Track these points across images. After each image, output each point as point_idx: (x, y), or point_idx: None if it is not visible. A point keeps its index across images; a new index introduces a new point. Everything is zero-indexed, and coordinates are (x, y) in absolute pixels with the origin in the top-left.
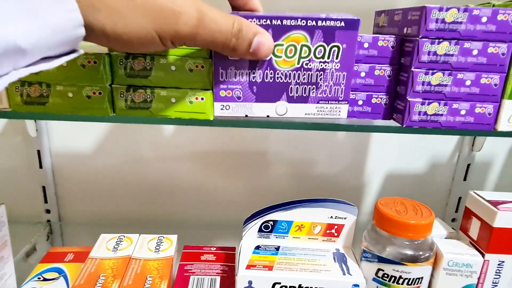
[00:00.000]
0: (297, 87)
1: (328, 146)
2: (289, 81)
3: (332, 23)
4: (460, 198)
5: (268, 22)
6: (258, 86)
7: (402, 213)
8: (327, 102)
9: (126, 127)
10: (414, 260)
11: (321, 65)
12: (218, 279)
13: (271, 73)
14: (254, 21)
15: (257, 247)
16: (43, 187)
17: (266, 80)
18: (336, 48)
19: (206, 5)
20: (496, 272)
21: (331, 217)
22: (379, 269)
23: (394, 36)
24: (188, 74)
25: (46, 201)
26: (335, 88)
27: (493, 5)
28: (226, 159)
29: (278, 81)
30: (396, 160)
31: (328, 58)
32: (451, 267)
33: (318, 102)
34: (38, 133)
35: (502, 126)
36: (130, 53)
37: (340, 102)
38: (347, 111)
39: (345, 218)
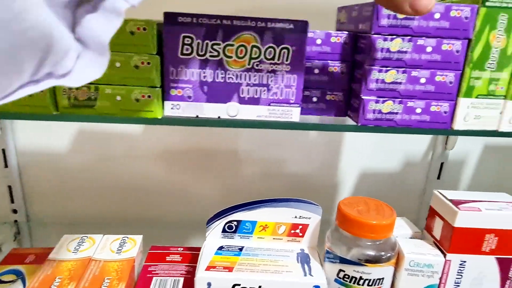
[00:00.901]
0: (248, 88)
1: (300, 145)
2: (240, 81)
3: (281, 25)
4: None
5: (219, 21)
6: (208, 86)
7: (364, 213)
8: (278, 104)
9: (94, 125)
10: (375, 260)
11: (272, 67)
12: (181, 280)
13: (222, 73)
14: (205, 20)
15: (220, 248)
16: (9, 187)
17: (217, 80)
18: (286, 50)
19: None
20: (458, 272)
21: (295, 217)
22: (340, 270)
23: (346, 32)
24: (133, 71)
25: (12, 201)
26: (286, 91)
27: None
28: (198, 158)
29: (229, 81)
30: (370, 159)
31: (279, 59)
32: (412, 268)
33: (269, 104)
34: (2, 132)
35: (458, 125)
36: None
37: (291, 105)
38: (299, 114)
39: (309, 218)
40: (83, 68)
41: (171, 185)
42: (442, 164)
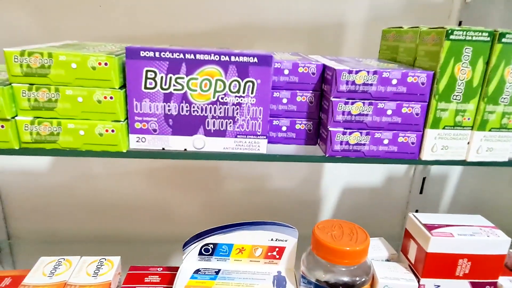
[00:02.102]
0: (214, 121)
1: None
2: (206, 114)
3: (245, 58)
4: (417, 211)
5: (182, 55)
6: (173, 119)
7: (337, 239)
8: (245, 136)
9: None
10: (350, 286)
11: (237, 100)
12: None
13: (186, 106)
14: (167, 55)
15: (197, 271)
16: None
17: (181, 113)
18: (250, 83)
19: None
20: None
21: (272, 239)
22: None
23: (315, 62)
24: (96, 105)
25: None
26: (252, 123)
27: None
28: (180, 175)
29: (194, 114)
30: (353, 174)
31: (244, 92)
32: None
33: (236, 136)
34: None
35: (426, 155)
36: (34, 84)
37: (258, 137)
38: (266, 146)
39: (285, 241)
40: None
41: (152, 202)
42: (424, 178)
